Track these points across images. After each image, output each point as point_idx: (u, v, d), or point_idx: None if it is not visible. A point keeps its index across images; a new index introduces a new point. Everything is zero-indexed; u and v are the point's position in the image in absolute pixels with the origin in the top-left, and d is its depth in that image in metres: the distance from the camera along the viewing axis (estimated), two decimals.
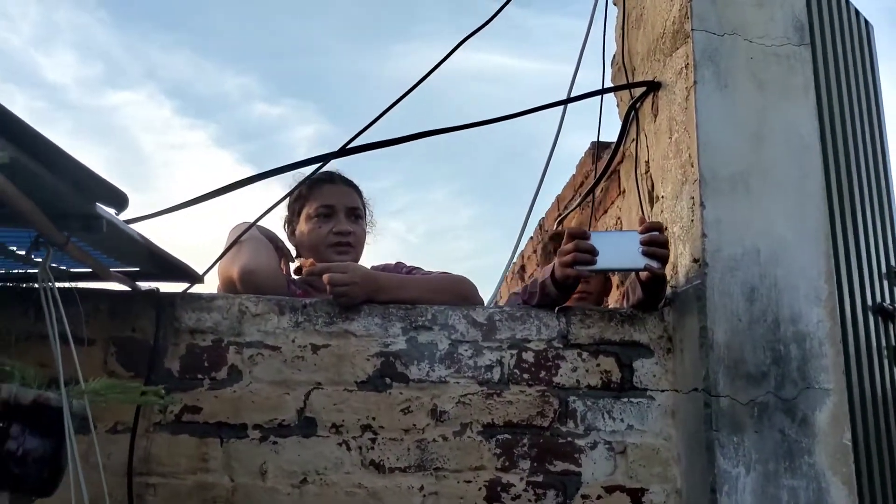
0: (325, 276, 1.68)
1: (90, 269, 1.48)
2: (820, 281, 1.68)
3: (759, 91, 1.75)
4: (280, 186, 1.95)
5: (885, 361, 2.11)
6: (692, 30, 1.77)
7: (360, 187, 2.07)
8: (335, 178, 2.02)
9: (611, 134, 2.60)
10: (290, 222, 2.03)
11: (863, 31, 2.52)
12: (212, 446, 1.62)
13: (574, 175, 3.02)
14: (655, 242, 1.66)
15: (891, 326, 2.21)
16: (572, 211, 2.57)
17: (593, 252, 1.66)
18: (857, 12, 2.56)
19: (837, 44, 2.23)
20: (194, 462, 1.61)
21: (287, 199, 1.98)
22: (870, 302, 2.11)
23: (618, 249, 1.68)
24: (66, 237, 1.13)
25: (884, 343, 2.15)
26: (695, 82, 1.74)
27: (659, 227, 1.69)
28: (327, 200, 1.99)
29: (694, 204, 1.70)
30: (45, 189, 1.03)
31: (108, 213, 1.15)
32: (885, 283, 2.25)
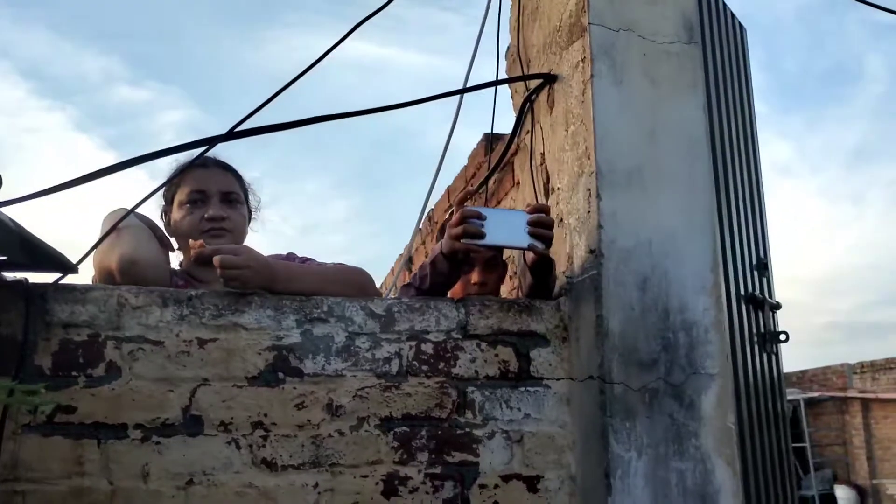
0: (216, 259, 1.59)
1: None
2: (706, 271, 1.74)
3: (653, 87, 1.79)
4: (144, 172, 1.81)
5: (757, 348, 2.24)
6: (589, 24, 1.79)
7: (238, 171, 1.98)
8: (208, 163, 1.91)
9: (501, 126, 2.61)
10: (166, 212, 1.92)
11: (737, 34, 2.66)
12: (88, 448, 1.50)
13: (466, 166, 3.02)
14: (542, 223, 1.70)
15: (760, 315, 2.34)
16: (464, 202, 2.56)
17: (481, 218, 1.67)
18: (733, 16, 2.69)
19: (717, 44, 2.34)
20: (69, 465, 1.48)
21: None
22: (743, 291, 2.23)
23: (505, 227, 1.71)
24: None
25: (755, 330, 2.28)
26: (591, 76, 1.77)
27: (546, 210, 1.73)
28: (199, 185, 1.88)
29: (590, 196, 1.73)
30: None
31: None
32: (756, 273, 2.38)
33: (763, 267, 2.43)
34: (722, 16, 2.63)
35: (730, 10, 2.68)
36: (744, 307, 2.22)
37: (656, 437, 1.62)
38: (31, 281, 1.54)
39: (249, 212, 2.00)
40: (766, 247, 2.50)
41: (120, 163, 1.72)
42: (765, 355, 2.30)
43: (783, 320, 2.40)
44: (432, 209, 3.59)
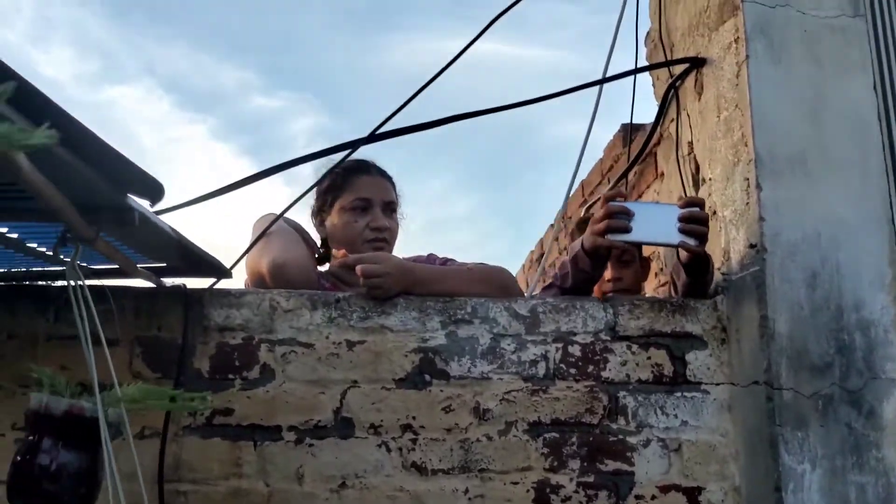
0: (359, 268, 1.59)
1: (114, 266, 1.39)
2: (883, 265, 1.58)
3: (815, 66, 1.65)
4: (280, 178, 1.83)
5: None
6: (742, 1, 1.67)
7: (393, 178, 1.97)
8: (371, 169, 1.91)
9: (626, 115, 2.50)
10: (321, 212, 1.92)
11: None
12: (245, 450, 1.53)
13: (602, 159, 2.92)
14: (695, 219, 1.58)
15: None
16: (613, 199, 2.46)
17: (627, 214, 1.58)
18: None
19: (883, 16, 2.13)
20: (227, 467, 1.52)
21: (316, 189, 1.89)
22: None
23: (653, 222, 1.60)
24: (96, 232, 1.03)
25: None
26: (747, 57, 1.64)
27: (700, 204, 1.61)
28: (364, 193, 1.88)
29: (749, 186, 1.61)
30: (74, 178, 0.94)
31: (140, 206, 1.05)
32: None
33: None
34: None
35: None
36: None
37: (832, 447, 1.49)
38: (188, 286, 1.59)
39: None
40: None
41: (268, 169, 1.76)
42: None
43: None
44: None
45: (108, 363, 1.04)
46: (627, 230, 1.58)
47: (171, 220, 1.48)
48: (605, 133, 2.99)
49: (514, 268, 5.32)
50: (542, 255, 3.98)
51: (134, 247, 1.37)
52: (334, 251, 1.74)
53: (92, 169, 0.95)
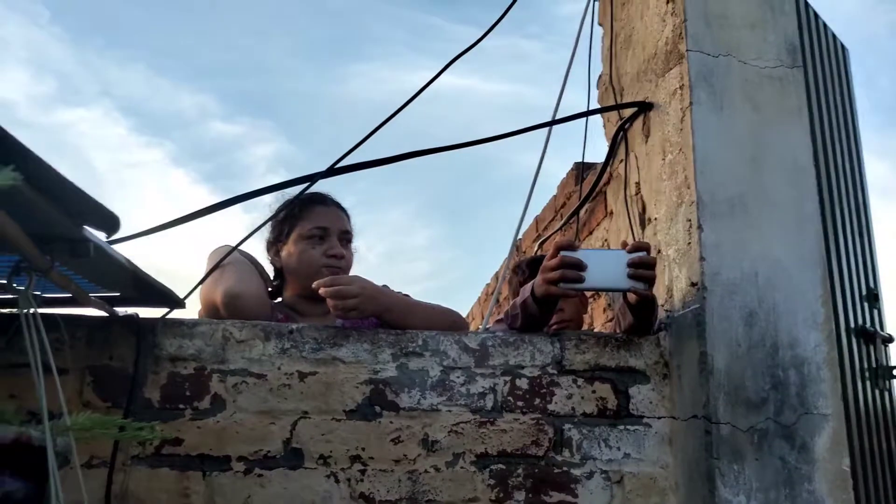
0: (332, 289, 1.63)
1: (67, 295, 1.40)
2: (817, 305, 1.66)
3: (755, 113, 1.74)
4: (239, 207, 1.82)
5: (869, 384, 2.12)
6: (687, 50, 1.75)
7: (348, 211, 2.01)
8: (328, 201, 1.95)
9: (590, 155, 2.58)
10: (277, 242, 1.94)
11: (839, 55, 2.56)
12: (194, 480, 1.54)
13: (556, 196, 2.99)
14: (643, 264, 1.61)
15: (872, 349, 2.21)
16: (555, 232, 2.53)
17: (580, 267, 1.61)
18: (834, 37, 2.59)
19: (820, 67, 2.25)
20: (175, 497, 1.52)
21: (273, 220, 1.91)
22: (852, 324, 2.11)
23: (604, 268, 1.63)
24: (51, 263, 1.05)
25: (866, 365, 2.15)
26: (690, 103, 1.72)
27: (647, 248, 1.65)
28: (321, 222, 1.91)
29: (691, 226, 1.68)
30: (30, 209, 0.96)
31: (95, 237, 1.07)
32: (866, 305, 2.26)
33: (873, 297, 2.31)
34: (823, 37, 2.54)
35: (831, 31, 2.58)
36: (854, 341, 2.11)
37: (766, 480, 1.55)
38: (141, 316, 1.60)
39: None
40: (876, 276, 2.37)
41: (228, 199, 1.79)
42: (877, 392, 2.18)
43: None
44: (520, 238, 3.57)
45: (57, 392, 1.05)
46: (580, 280, 1.61)
47: (127, 248, 1.50)
48: (563, 169, 3.06)
49: (471, 299, 5.38)
50: (496, 289, 4.03)
51: (88, 277, 1.38)
52: (289, 282, 1.76)
53: (48, 201, 0.97)
